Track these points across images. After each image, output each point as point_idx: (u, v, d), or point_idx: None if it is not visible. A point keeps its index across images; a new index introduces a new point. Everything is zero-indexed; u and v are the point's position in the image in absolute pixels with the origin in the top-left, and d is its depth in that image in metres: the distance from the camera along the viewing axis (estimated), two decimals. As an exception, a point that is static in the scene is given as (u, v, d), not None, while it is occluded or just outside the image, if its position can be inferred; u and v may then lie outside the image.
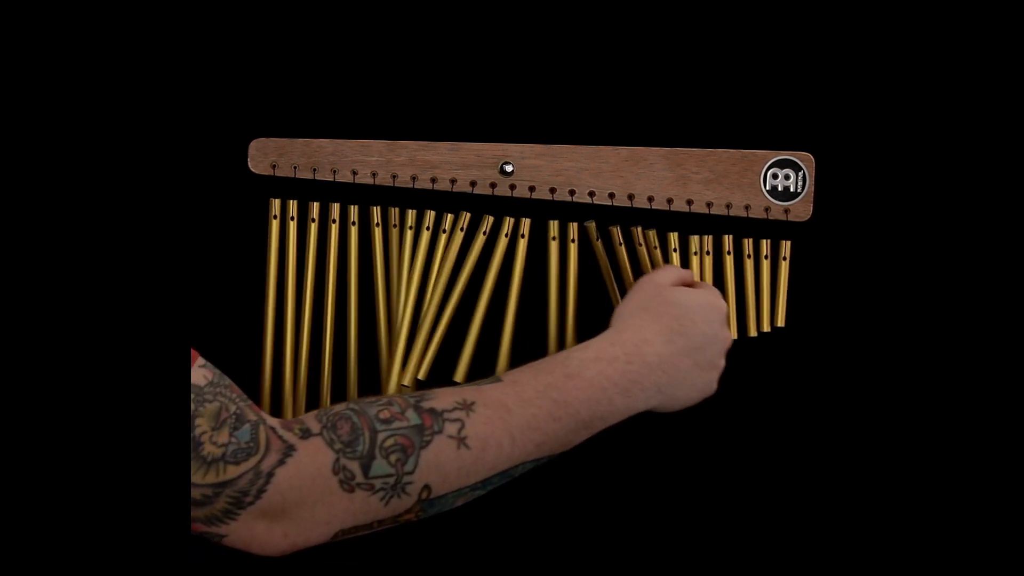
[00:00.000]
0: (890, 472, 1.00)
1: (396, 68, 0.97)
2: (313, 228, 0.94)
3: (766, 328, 0.98)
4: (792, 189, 0.98)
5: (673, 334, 0.83)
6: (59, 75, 0.66)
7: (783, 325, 0.98)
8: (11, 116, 0.65)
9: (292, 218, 0.94)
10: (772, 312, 0.98)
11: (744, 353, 0.98)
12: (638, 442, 0.99)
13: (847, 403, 1.00)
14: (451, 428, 0.74)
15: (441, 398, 0.76)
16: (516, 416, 0.76)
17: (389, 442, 0.72)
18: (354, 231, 0.95)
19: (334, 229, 0.95)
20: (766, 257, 0.98)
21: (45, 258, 0.64)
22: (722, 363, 0.88)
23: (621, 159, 0.97)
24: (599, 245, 0.96)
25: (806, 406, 1.00)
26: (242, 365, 0.94)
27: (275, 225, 0.94)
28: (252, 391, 0.93)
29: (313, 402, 0.94)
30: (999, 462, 0.98)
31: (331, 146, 0.95)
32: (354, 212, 0.95)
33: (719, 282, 0.98)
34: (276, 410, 0.94)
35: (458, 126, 0.97)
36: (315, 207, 0.94)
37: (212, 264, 0.95)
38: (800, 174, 0.98)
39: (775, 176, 0.98)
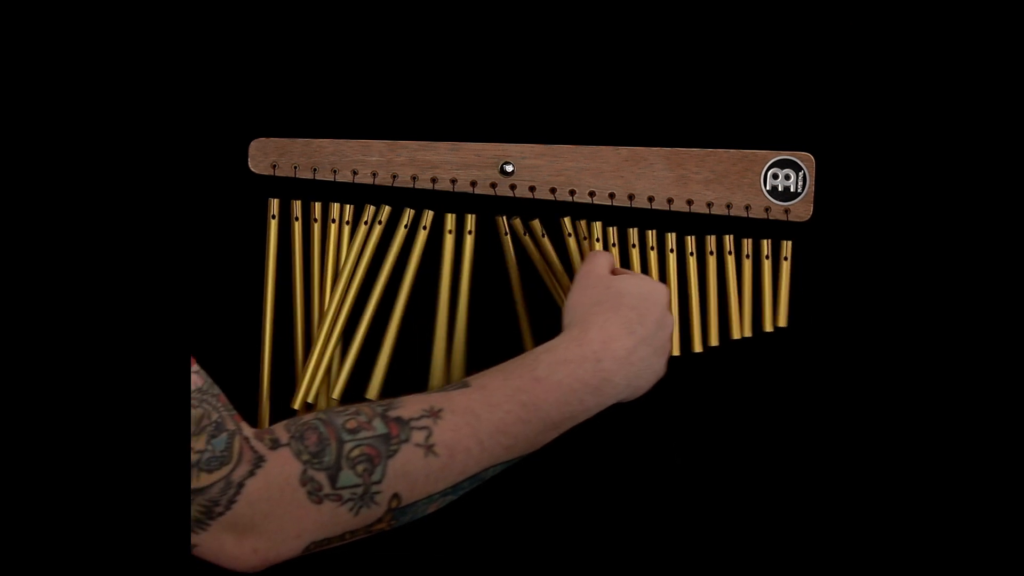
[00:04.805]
0: (889, 473, 1.00)
1: (396, 68, 0.97)
2: (315, 228, 0.94)
3: (768, 328, 0.98)
4: (792, 189, 0.98)
5: (634, 324, 0.83)
6: (60, 75, 0.66)
7: (785, 325, 0.98)
8: (12, 116, 0.65)
9: (296, 218, 0.94)
10: (774, 312, 0.98)
11: (744, 353, 0.98)
12: (638, 442, 0.99)
13: (847, 403, 1.00)
14: (418, 436, 0.74)
15: (408, 406, 0.76)
16: (484, 421, 0.76)
17: (355, 452, 0.72)
18: (357, 230, 0.95)
19: (333, 229, 0.95)
20: (767, 257, 0.98)
21: (45, 257, 0.64)
22: (670, 346, 0.88)
23: (621, 159, 0.97)
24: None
25: (806, 406, 1.00)
26: (241, 366, 0.94)
27: (274, 225, 0.94)
28: (252, 391, 0.94)
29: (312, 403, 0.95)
30: (999, 462, 0.98)
31: (331, 146, 0.95)
32: (349, 212, 0.95)
33: (713, 282, 0.98)
34: (275, 412, 0.94)
35: (458, 126, 0.97)
36: (316, 207, 0.94)
37: (212, 264, 0.95)
38: (800, 174, 0.98)
39: (775, 176, 0.98)
